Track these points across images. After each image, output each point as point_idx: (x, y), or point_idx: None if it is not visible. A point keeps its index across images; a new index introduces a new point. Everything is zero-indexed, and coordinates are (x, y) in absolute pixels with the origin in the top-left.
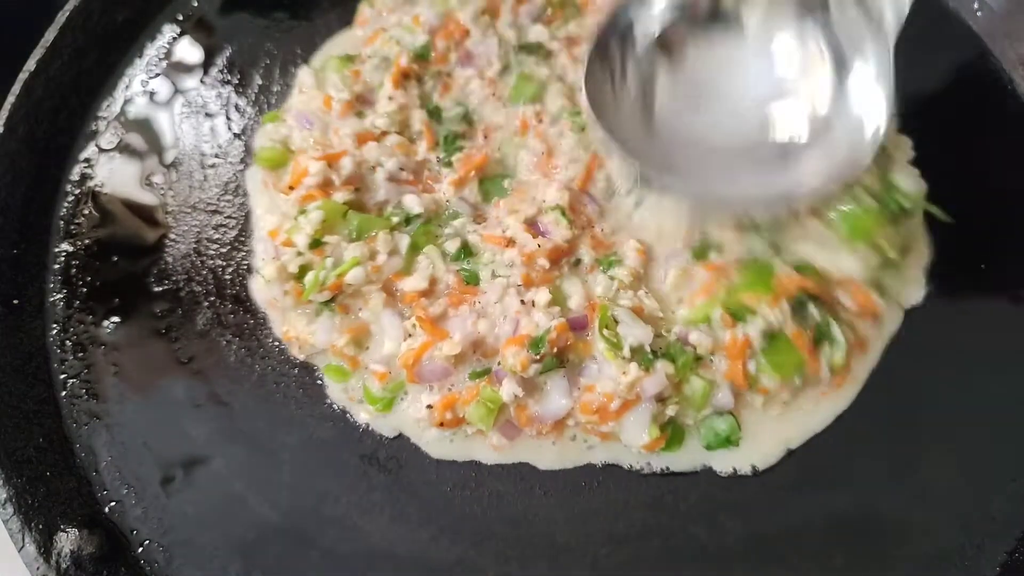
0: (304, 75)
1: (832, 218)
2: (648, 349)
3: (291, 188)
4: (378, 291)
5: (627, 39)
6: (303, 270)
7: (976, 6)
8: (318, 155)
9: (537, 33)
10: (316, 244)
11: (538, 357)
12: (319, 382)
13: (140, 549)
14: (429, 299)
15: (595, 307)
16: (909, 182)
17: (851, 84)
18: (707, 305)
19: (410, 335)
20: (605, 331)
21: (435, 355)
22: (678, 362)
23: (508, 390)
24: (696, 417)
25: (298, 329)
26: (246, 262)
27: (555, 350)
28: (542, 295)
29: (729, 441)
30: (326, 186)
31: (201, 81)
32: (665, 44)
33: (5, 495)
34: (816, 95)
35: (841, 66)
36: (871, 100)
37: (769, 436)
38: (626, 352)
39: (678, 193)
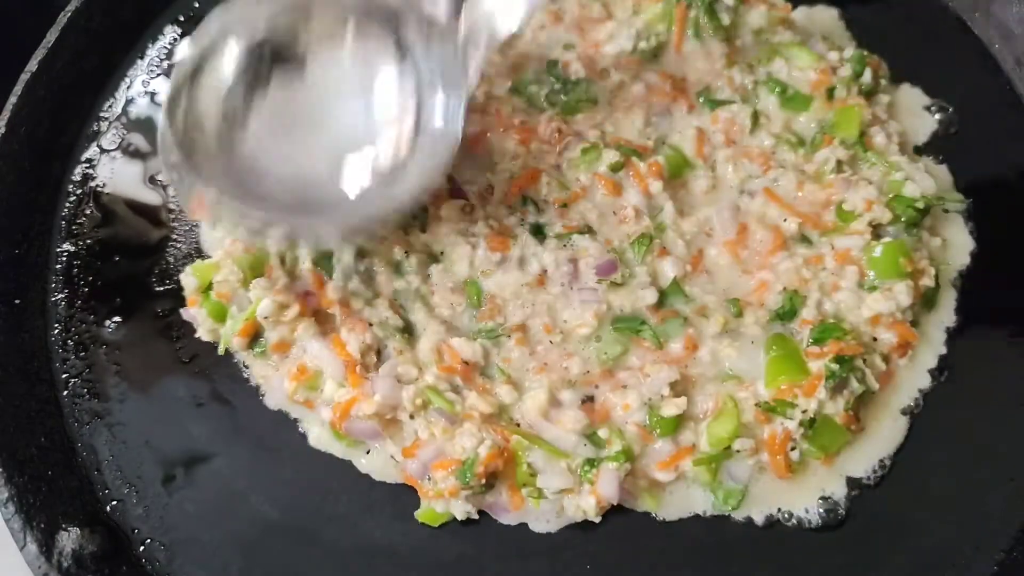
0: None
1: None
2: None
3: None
4: (308, 320)
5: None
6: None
7: (975, 7)
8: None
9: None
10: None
11: (467, 485)
12: None
13: (141, 548)
14: (350, 318)
15: (506, 452)
16: (918, 180)
17: (425, 121)
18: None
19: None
20: (524, 489)
21: (363, 411)
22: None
23: (460, 508)
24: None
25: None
26: None
27: (483, 480)
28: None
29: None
30: None
31: None
32: (254, 73)
33: (7, 494)
34: (400, 135)
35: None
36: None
37: None
38: (550, 496)
39: (247, 218)
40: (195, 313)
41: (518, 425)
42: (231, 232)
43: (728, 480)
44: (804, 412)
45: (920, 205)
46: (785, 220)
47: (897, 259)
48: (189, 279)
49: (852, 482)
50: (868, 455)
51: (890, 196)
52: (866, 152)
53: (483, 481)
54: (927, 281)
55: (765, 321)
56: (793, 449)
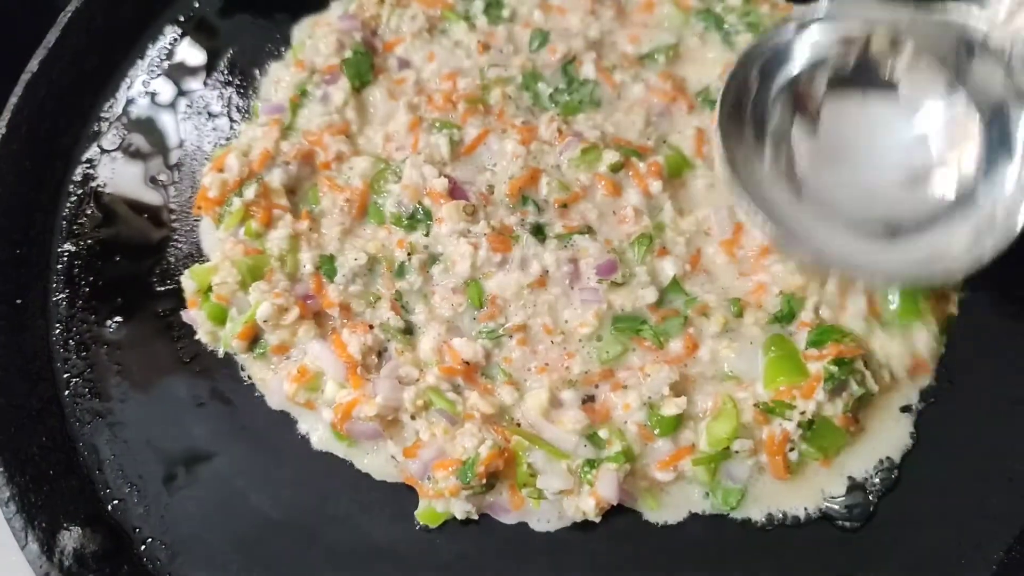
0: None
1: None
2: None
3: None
4: (308, 323)
5: (764, 90)
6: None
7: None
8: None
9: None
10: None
11: (467, 485)
12: None
13: (143, 547)
14: (350, 320)
15: (507, 453)
16: None
17: (1001, 159)
18: (725, 424)
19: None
20: (524, 489)
21: (364, 413)
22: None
23: (460, 508)
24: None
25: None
26: None
27: (483, 480)
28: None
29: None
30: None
31: (204, 83)
32: (802, 98)
33: (8, 493)
34: (963, 166)
35: (992, 140)
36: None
37: None
38: (550, 497)
39: (815, 261)
40: (195, 315)
41: (519, 425)
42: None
43: (727, 480)
44: (803, 414)
45: None
46: None
47: (917, 302)
48: (188, 282)
49: (852, 482)
50: (868, 454)
51: None
52: None
53: (484, 481)
54: (951, 309)
55: (764, 322)
56: (792, 450)
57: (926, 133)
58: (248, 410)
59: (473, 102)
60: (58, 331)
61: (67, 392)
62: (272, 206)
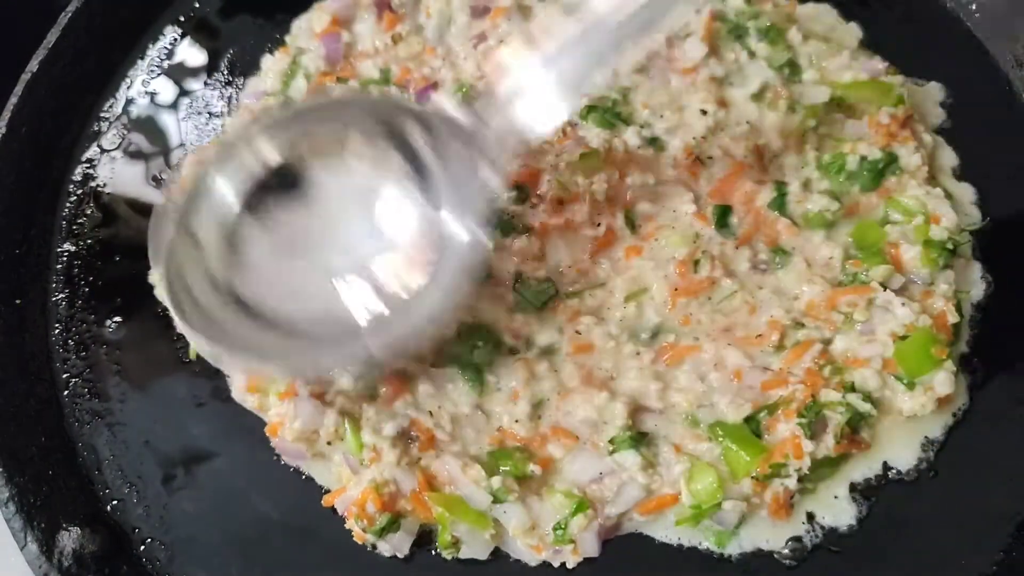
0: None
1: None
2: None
3: None
4: None
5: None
6: None
7: (974, 7)
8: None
9: None
10: None
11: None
12: None
13: (142, 547)
14: None
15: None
16: (943, 216)
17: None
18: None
19: None
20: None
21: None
22: None
23: (383, 547)
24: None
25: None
26: None
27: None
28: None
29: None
30: None
31: (204, 83)
32: (255, 211)
33: (7, 494)
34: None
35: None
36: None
37: None
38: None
39: (264, 368)
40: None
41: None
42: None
43: (716, 526)
44: (798, 470)
45: (950, 246)
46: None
47: (928, 349)
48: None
49: (853, 486)
50: (871, 461)
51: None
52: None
53: (381, 524)
54: (952, 318)
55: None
56: (792, 497)
57: (377, 221)
58: (247, 410)
59: None
60: (57, 331)
61: (66, 392)
62: None
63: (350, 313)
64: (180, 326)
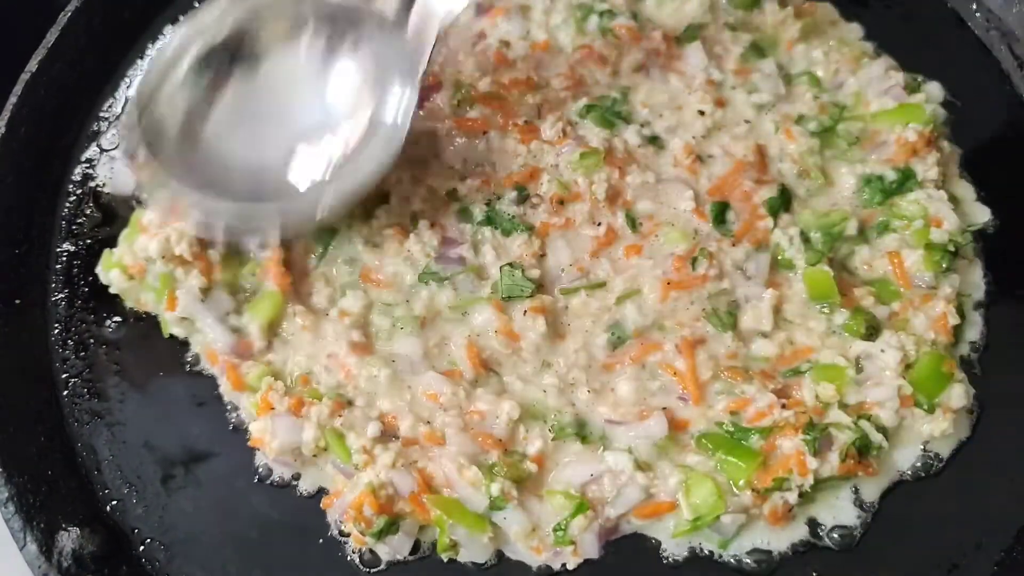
0: None
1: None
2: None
3: None
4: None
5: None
6: None
7: (975, 7)
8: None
9: None
10: None
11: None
12: None
13: (141, 547)
14: None
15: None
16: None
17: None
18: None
19: None
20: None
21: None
22: None
23: (382, 550)
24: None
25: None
26: None
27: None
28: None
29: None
30: None
31: None
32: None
33: (7, 494)
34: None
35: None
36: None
37: None
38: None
39: (209, 210)
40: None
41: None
42: (187, 223)
43: (715, 534)
44: (800, 486)
45: (951, 248)
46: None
47: (939, 369)
48: (112, 276)
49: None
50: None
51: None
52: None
53: (379, 526)
54: (952, 320)
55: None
56: (791, 510)
57: (322, 98)
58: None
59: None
60: (57, 331)
61: (66, 392)
62: None
63: (292, 176)
64: (139, 162)
